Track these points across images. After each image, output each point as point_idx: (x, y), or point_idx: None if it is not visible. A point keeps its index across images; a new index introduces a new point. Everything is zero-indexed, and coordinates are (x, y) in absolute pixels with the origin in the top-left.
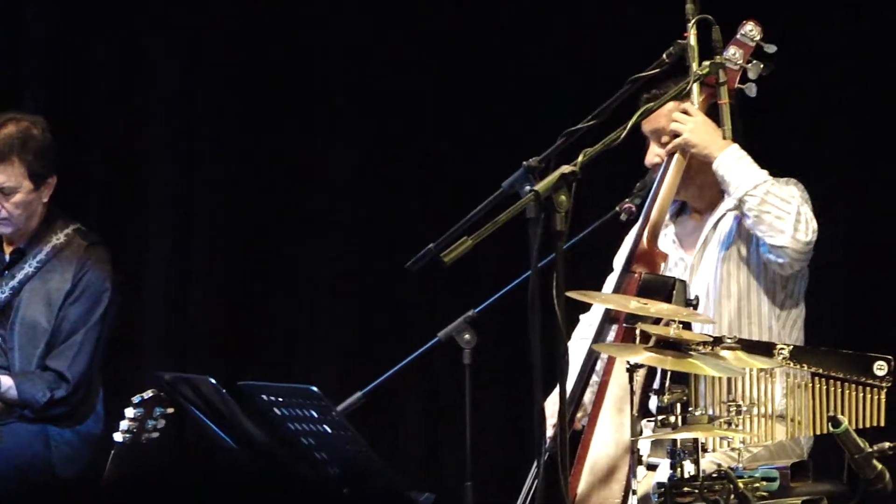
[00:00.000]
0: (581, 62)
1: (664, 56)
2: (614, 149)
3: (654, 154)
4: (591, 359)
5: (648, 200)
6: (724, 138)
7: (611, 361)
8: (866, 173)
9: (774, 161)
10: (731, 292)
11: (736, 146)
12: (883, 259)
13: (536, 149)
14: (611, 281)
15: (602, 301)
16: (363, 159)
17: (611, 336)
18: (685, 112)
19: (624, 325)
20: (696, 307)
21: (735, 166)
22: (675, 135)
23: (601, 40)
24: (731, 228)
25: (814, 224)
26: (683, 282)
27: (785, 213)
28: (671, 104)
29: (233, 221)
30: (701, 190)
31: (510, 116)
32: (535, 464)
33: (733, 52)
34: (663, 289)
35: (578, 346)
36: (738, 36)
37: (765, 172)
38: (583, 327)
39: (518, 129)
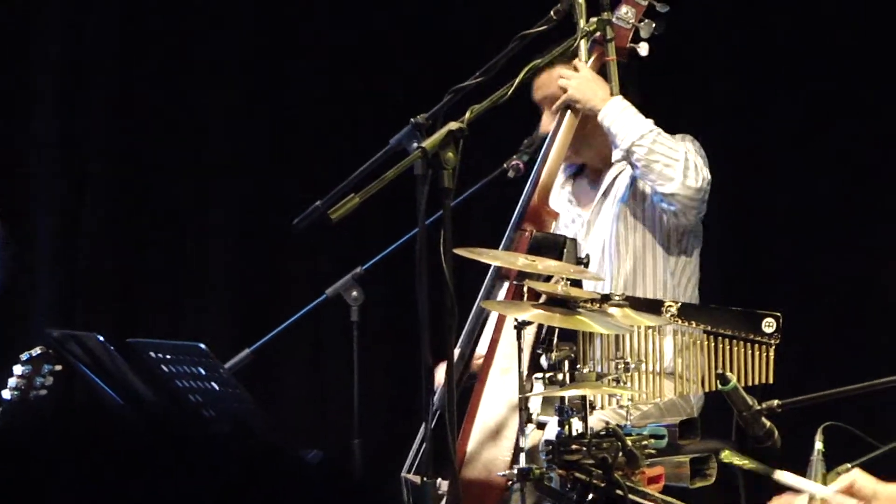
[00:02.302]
0: (468, 19)
1: (551, 13)
2: (502, 106)
3: (548, 122)
4: (480, 317)
5: (539, 159)
6: (612, 94)
7: (501, 319)
8: (751, 134)
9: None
10: (627, 249)
11: (620, 97)
12: (768, 217)
13: (424, 106)
14: None
15: (490, 258)
16: (248, 115)
17: (502, 294)
18: (574, 68)
19: (514, 282)
20: (587, 265)
21: (620, 117)
22: (564, 91)
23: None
24: (626, 185)
25: (705, 172)
26: (574, 240)
27: (673, 161)
28: (560, 69)
29: (120, 179)
30: (599, 150)
31: (398, 75)
32: (424, 422)
33: (625, 11)
34: (554, 247)
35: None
36: None
37: (650, 122)
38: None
39: (404, 87)
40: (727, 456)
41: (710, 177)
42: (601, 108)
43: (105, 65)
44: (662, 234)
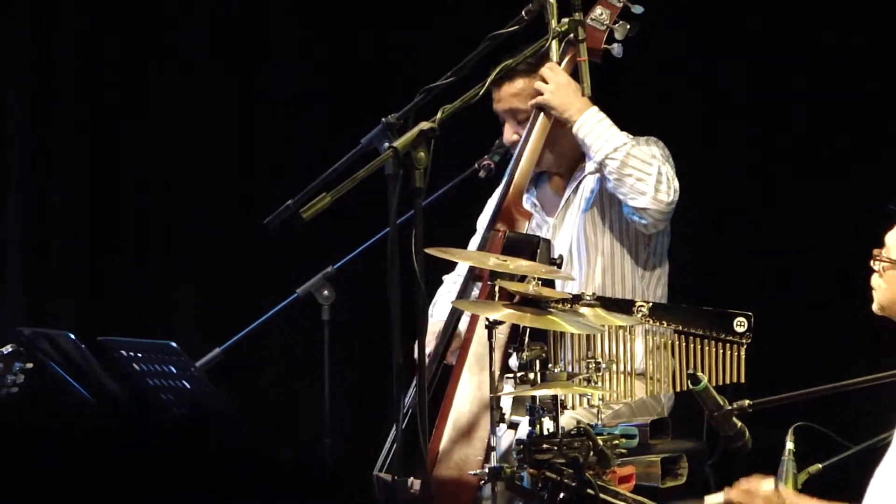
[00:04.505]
0: (439, 20)
1: (523, 13)
2: (473, 106)
3: (511, 132)
4: (454, 317)
5: (513, 161)
6: (584, 95)
7: (474, 319)
8: (719, 131)
9: (631, 121)
10: (596, 253)
11: (595, 109)
12: (740, 216)
13: (396, 106)
14: (474, 243)
15: (461, 258)
16: (219, 111)
17: (475, 294)
18: (552, 71)
19: (489, 282)
20: (560, 266)
21: (595, 129)
22: (539, 94)
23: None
24: (592, 190)
25: (675, 184)
26: (548, 241)
27: (646, 175)
28: (520, 83)
29: (91, 175)
30: (560, 156)
31: (370, 74)
32: (395, 421)
33: (600, 13)
34: (528, 247)
35: (442, 301)
36: None
37: (624, 134)
38: (446, 285)
39: (378, 87)
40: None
41: (678, 185)
42: (577, 119)
43: (72, 57)
44: (630, 238)
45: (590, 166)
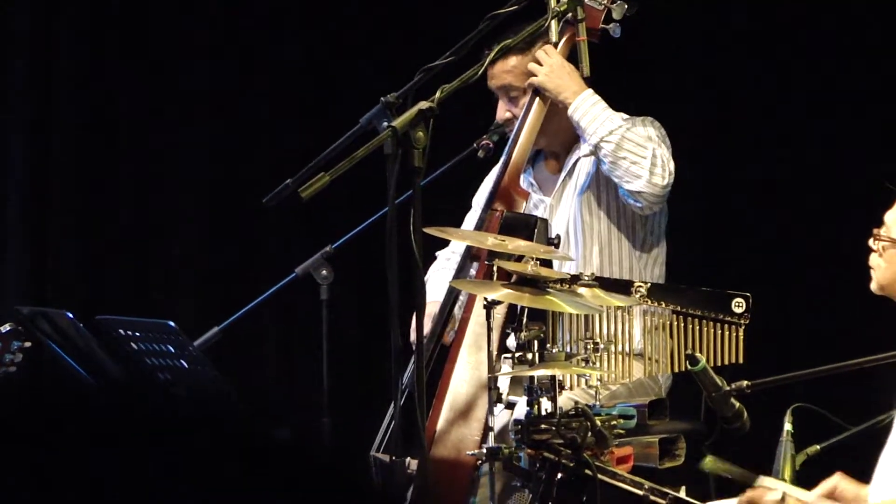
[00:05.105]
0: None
1: None
2: (472, 85)
3: (503, 110)
4: (451, 296)
5: (510, 141)
6: (583, 76)
7: (472, 299)
8: (723, 112)
9: (633, 99)
10: (593, 235)
11: (590, 91)
12: (739, 195)
13: (394, 85)
14: (469, 219)
15: (459, 237)
16: (217, 92)
17: (472, 273)
18: (546, 53)
19: (486, 262)
20: (557, 246)
21: (590, 112)
22: (534, 75)
23: None
24: (588, 172)
25: (670, 166)
26: (545, 220)
27: (640, 158)
28: (513, 61)
29: (88, 154)
30: (555, 136)
31: (371, 53)
32: (393, 401)
33: None
34: (525, 227)
35: (435, 279)
36: None
37: (619, 116)
38: (440, 261)
39: (378, 65)
40: (710, 463)
41: (673, 167)
42: (571, 101)
43: (72, 40)
44: (627, 219)
45: (584, 148)
